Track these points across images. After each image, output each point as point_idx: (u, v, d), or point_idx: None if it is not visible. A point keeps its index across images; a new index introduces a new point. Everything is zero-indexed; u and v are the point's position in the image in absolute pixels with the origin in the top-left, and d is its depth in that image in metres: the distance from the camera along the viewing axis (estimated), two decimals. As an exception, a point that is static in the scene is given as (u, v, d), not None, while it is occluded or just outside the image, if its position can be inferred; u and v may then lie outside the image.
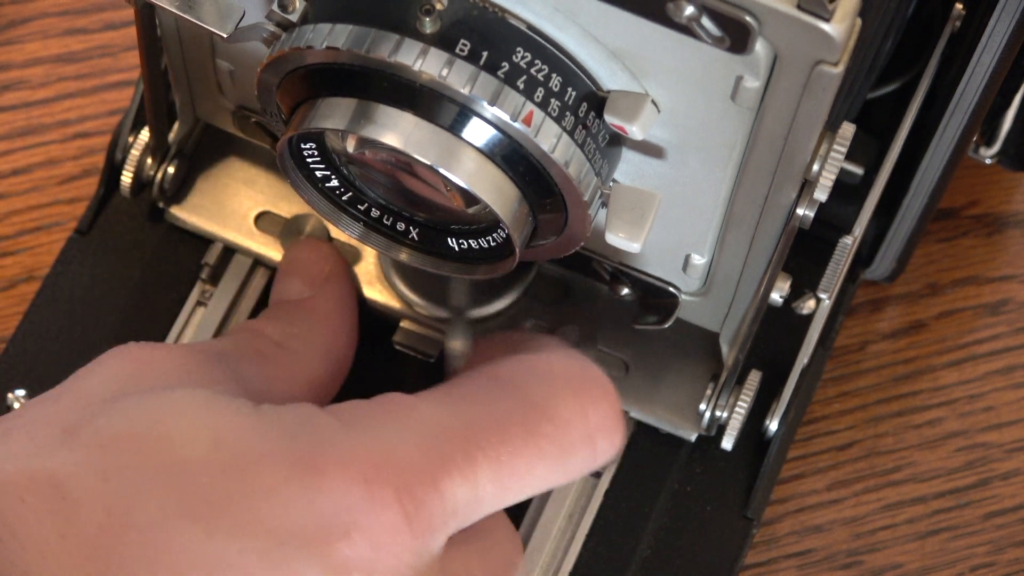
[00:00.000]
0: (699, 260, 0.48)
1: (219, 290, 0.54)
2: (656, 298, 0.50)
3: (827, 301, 0.50)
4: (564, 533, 0.52)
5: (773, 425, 0.53)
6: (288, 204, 0.55)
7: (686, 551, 0.52)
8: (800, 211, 0.44)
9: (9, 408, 0.52)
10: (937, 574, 0.55)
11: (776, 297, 0.48)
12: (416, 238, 0.46)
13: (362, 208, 0.45)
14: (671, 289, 0.50)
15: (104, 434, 0.39)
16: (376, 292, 0.53)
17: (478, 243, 0.44)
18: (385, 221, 0.45)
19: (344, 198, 0.45)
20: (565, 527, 0.52)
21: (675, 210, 0.46)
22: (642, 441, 0.53)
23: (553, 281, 0.54)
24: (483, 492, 0.40)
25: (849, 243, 0.50)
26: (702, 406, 0.52)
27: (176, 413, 0.39)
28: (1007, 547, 0.56)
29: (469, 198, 0.43)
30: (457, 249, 0.45)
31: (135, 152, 0.53)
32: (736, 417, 0.52)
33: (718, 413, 0.52)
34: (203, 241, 0.55)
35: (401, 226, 0.45)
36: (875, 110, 0.54)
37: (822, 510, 0.56)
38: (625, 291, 0.51)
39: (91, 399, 0.41)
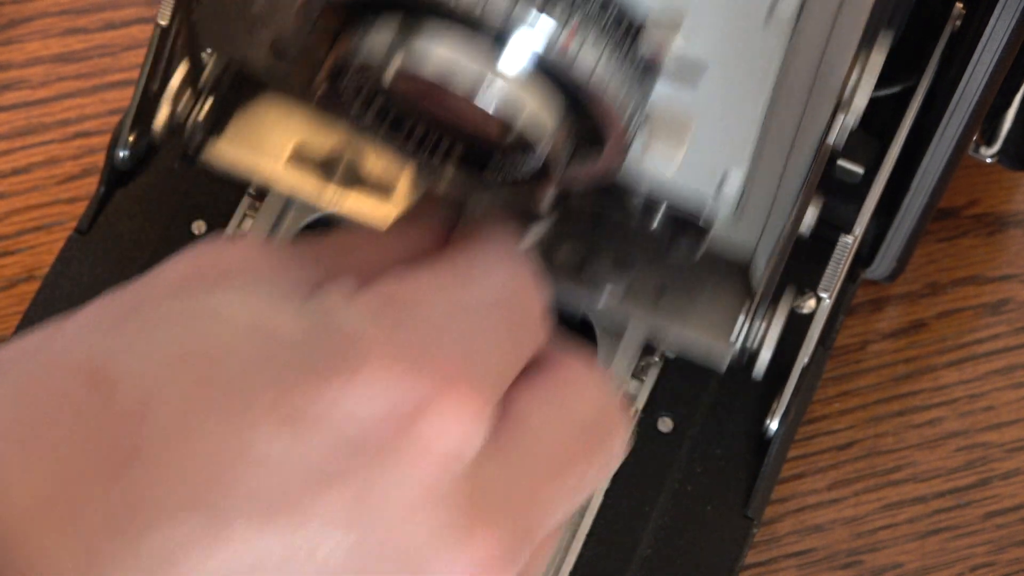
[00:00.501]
0: (732, 186, 0.48)
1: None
2: (687, 227, 0.50)
3: (827, 300, 0.50)
4: (564, 533, 0.52)
5: (773, 425, 0.53)
6: (323, 140, 0.55)
7: (686, 551, 0.52)
8: (836, 129, 0.44)
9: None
10: (937, 574, 0.55)
11: (809, 220, 0.48)
12: (454, 165, 0.46)
13: (401, 135, 0.46)
14: (702, 217, 0.50)
15: (151, 320, 0.39)
16: None
17: (515, 169, 0.45)
18: (424, 148, 0.46)
19: (384, 125, 0.45)
20: (565, 527, 0.52)
21: (709, 134, 0.46)
22: (642, 441, 0.53)
23: (586, 207, 0.54)
24: (507, 370, 0.41)
25: (849, 242, 0.50)
26: (735, 330, 0.52)
27: (223, 301, 0.39)
28: (1007, 547, 0.56)
29: (507, 123, 0.43)
30: (494, 177, 0.45)
31: (171, 89, 0.54)
32: (768, 342, 0.52)
33: (751, 337, 0.52)
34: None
35: (439, 153, 0.46)
36: (875, 110, 0.54)
37: (822, 510, 0.56)
38: (656, 221, 0.51)
39: (152, 292, 0.41)
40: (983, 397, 0.58)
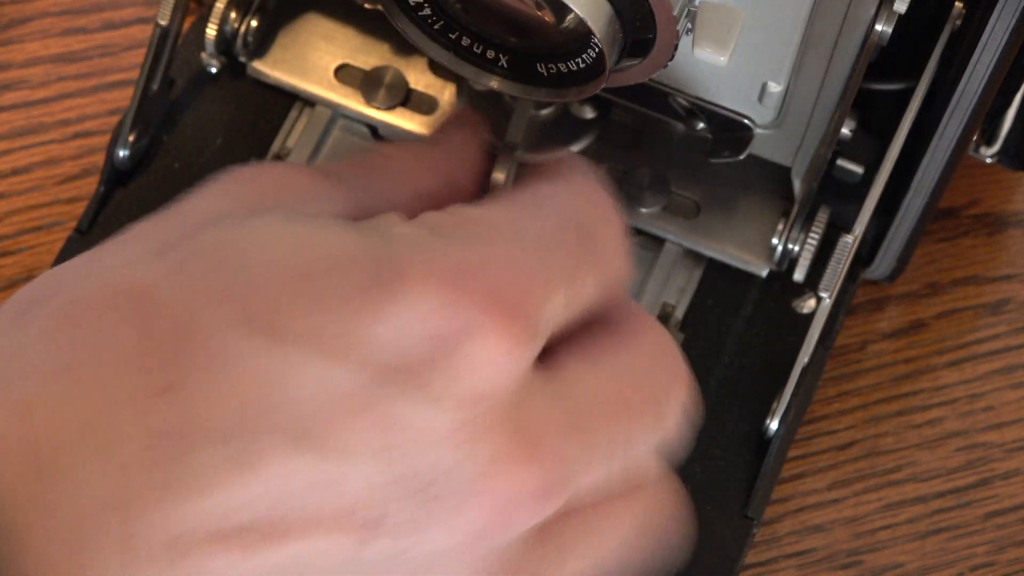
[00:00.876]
0: (776, 88, 0.49)
1: None
2: (731, 132, 0.51)
3: (828, 300, 0.51)
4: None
5: (773, 425, 0.53)
6: (367, 57, 0.56)
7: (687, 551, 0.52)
8: (879, 26, 0.45)
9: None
10: (937, 574, 0.55)
11: (846, 131, 0.49)
12: (505, 65, 0.46)
13: (453, 36, 0.46)
14: (746, 121, 0.51)
15: (193, 247, 0.39)
16: None
17: (567, 66, 0.45)
18: (475, 49, 0.46)
19: (436, 27, 0.46)
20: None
21: (754, 35, 0.46)
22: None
23: (625, 126, 0.55)
24: (557, 310, 0.40)
25: (849, 242, 0.50)
26: (774, 240, 0.53)
27: (264, 226, 0.39)
28: (1007, 547, 0.56)
29: (561, 13, 0.43)
30: (546, 74, 0.46)
31: (219, 6, 0.54)
32: (807, 250, 0.52)
33: (790, 247, 0.52)
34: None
35: (491, 53, 0.46)
36: (875, 110, 0.54)
37: (822, 510, 0.56)
38: (700, 126, 0.52)
39: (190, 219, 0.41)
40: (983, 397, 0.58)
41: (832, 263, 0.50)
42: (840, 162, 0.54)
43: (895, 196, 0.54)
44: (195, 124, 0.57)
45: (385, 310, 0.37)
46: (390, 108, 0.56)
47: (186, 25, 0.56)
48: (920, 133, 0.52)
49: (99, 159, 0.57)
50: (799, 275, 0.53)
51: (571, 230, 0.42)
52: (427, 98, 0.56)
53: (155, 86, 0.55)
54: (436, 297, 0.38)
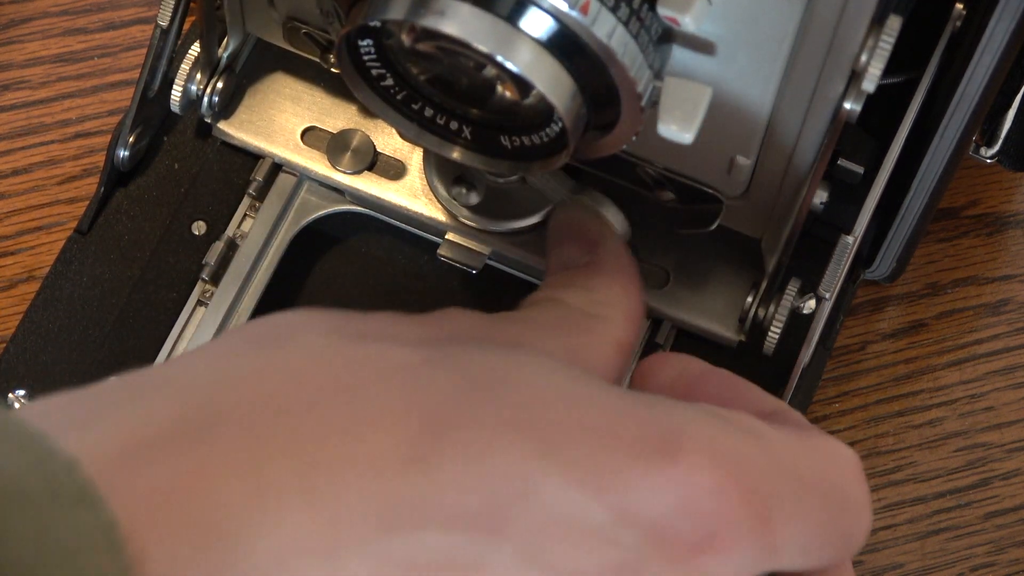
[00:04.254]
0: (744, 161, 0.48)
1: (220, 290, 0.54)
2: (700, 203, 0.51)
3: (828, 300, 0.50)
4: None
5: (773, 425, 0.53)
6: (334, 119, 0.56)
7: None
8: (847, 104, 0.45)
9: (10, 409, 0.52)
10: (937, 574, 0.55)
11: (817, 203, 0.48)
12: (469, 136, 0.46)
13: (416, 107, 0.46)
14: (715, 194, 0.50)
15: (462, 356, 0.39)
16: (422, 205, 0.55)
17: (530, 139, 0.45)
18: (438, 120, 0.46)
19: (399, 97, 0.45)
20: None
21: (723, 109, 0.46)
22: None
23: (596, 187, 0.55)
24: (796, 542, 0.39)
25: (850, 243, 0.50)
26: (743, 311, 0.52)
27: (543, 367, 0.39)
28: (1007, 547, 0.56)
29: (524, 88, 0.43)
30: (510, 147, 0.45)
31: (185, 66, 0.54)
32: (777, 322, 0.52)
33: (759, 318, 0.52)
34: (204, 241, 0.55)
35: (454, 125, 0.46)
36: (875, 110, 0.54)
37: (822, 510, 0.56)
38: (669, 197, 0.51)
39: (445, 328, 0.41)
40: (983, 397, 0.58)
41: (832, 263, 0.50)
42: (840, 162, 0.54)
43: (895, 196, 0.54)
44: (195, 125, 0.57)
45: (654, 472, 0.37)
46: (357, 172, 0.55)
47: (186, 25, 0.56)
48: (920, 134, 0.52)
49: (99, 159, 0.57)
50: (768, 349, 0.52)
51: (830, 496, 0.40)
52: (394, 163, 0.55)
53: (155, 86, 0.55)
54: (705, 476, 0.37)
